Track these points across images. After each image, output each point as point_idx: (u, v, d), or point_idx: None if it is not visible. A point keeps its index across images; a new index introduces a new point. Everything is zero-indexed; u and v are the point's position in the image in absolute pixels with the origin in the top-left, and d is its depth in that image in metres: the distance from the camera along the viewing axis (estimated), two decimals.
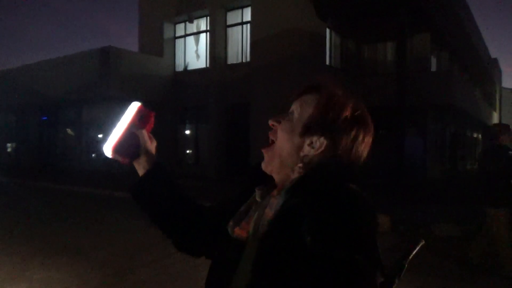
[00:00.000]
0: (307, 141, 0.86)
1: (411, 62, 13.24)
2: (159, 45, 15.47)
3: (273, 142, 0.91)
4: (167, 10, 15.29)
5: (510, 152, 4.15)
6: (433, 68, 15.92)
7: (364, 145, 0.87)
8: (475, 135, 23.62)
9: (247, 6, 13.57)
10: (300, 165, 0.86)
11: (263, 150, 0.92)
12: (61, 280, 4.13)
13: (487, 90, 28.33)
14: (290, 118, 0.90)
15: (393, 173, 10.96)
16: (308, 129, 0.86)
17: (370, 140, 0.88)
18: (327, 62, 13.67)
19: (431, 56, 15.40)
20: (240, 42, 14.03)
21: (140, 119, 1.00)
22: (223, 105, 14.00)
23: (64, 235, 6.09)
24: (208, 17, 14.51)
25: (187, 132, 15.94)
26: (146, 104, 1.01)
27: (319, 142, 0.84)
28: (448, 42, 16.53)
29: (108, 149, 0.96)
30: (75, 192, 10.98)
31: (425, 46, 14.57)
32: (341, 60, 14.67)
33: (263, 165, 0.92)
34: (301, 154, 0.86)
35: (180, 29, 15.78)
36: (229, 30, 14.34)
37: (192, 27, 15.36)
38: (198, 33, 15.38)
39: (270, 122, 0.93)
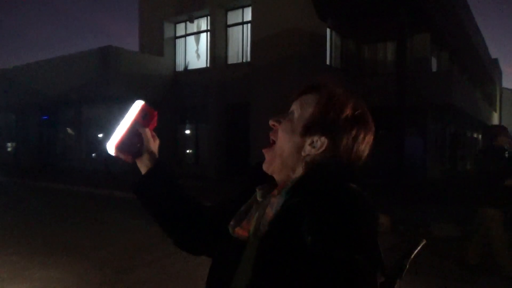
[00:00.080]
0: (308, 141, 0.85)
1: (411, 62, 13.24)
2: (159, 44, 15.47)
3: (273, 142, 0.91)
4: (167, 10, 15.29)
5: (506, 154, 4.21)
6: (433, 68, 15.92)
7: (364, 144, 0.87)
8: (475, 135, 23.62)
9: (247, 6, 13.57)
10: (301, 165, 0.86)
11: (263, 151, 0.92)
12: (61, 279, 4.13)
13: (487, 91, 28.32)
14: (291, 118, 0.90)
15: (393, 173, 10.95)
16: (308, 129, 0.86)
17: (371, 139, 0.88)
18: (327, 62, 13.67)
19: (431, 56, 15.40)
20: (240, 42, 14.03)
21: (143, 118, 1.01)
22: (223, 105, 14.00)
23: (64, 234, 6.09)
24: (209, 17, 14.51)
25: (187, 132, 15.94)
26: (147, 103, 1.01)
27: (320, 142, 0.84)
28: (448, 42, 16.52)
29: (111, 147, 0.97)
30: (75, 192, 10.98)
31: (425, 46, 14.57)
32: (341, 60, 14.67)
33: (264, 166, 0.92)
34: (302, 154, 0.86)
35: (180, 29, 15.78)
36: (230, 30, 14.34)
37: (192, 27, 15.36)
38: (198, 33, 15.38)
39: (271, 122, 0.92)
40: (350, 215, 0.71)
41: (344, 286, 0.66)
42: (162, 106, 13.86)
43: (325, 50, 13.49)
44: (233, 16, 14.23)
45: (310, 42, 12.50)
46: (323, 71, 12.57)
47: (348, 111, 0.85)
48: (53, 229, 6.46)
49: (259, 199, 0.90)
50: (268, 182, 0.92)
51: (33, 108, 18.04)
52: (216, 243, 0.94)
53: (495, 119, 29.74)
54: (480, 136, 24.55)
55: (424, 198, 9.14)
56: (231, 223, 0.89)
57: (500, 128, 4.55)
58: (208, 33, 14.61)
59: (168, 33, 15.62)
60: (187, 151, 15.87)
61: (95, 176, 13.44)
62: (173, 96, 15.07)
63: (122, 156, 0.98)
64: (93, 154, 16.37)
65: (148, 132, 1.00)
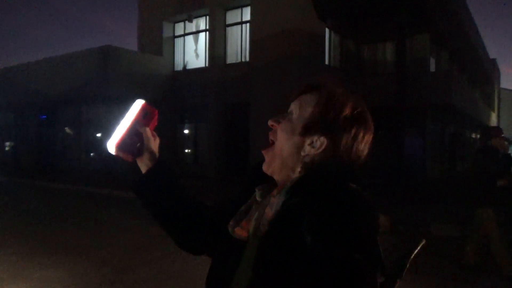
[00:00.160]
0: (308, 141, 0.85)
1: (411, 62, 13.25)
2: (158, 44, 15.47)
3: (273, 142, 0.91)
4: (166, 9, 15.29)
5: (500, 155, 4.31)
6: (433, 68, 15.94)
7: (364, 143, 0.87)
8: (474, 136, 23.64)
9: (246, 6, 13.57)
10: (301, 165, 0.86)
11: (263, 152, 0.92)
12: (60, 279, 4.12)
13: (486, 91, 28.37)
14: (290, 118, 0.89)
15: (392, 173, 10.96)
16: (308, 129, 0.85)
17: (371, 138, 0.88)
18: (327, 62, 13.67)
19: (430, 57, 15.41)
20: (239, 42, 14.03)
21: (144, 117, 1.00)
22: (222, 104, 14.00)
23: (63, 234, 6.09)
24: (208, 17, 14.51)
25: (186, 131, 15.94)
26: (147, 102, 1.01)
27: (320, 142, 0.84)
28: (448, 43, 16.54)
29: (111, 146, 0.96)
30: (74, 191, 10.97)
31: (425, 46, 14.58)
32: (341, 60, 14.67)
33: (264, 167, 0.91)
34: (302, 154, 0.86)
35: (179, 28, 15.77)
36: (229, 29, 14.34)
37: (191, 27, 15.36)
38: (197, 32, 15.38)
39: (270, 123, 0.92)
40: (350, 214, 0.71)
41: (344, 286, 0.66)
42: (161, 106, 13.81)
43: (325, 50, 13.50)
44: (232, 16, 14.22)
45: (309, 42, 12.50)
46: (322, 71, 12.57)
47: (347, 111, 0.85)
48: (52, 229, 6.46)
49: (258, 199, 0.90)
50: (268, 182, 0.92)
51: (32, 107, 18.02)
52: (216, 243, 0.94)
53: (494, 120, 29.78)
54: (479, 136, 24.56)
55: (424, 198, 9.15)
56: (231, 223, 0.89)
57: (495, 129, 4.64)
58: (207, 32, 14.61)
59: (167, 32, 15.62)
60: (186, 150, 15.86)
61: (95, 176, 13.43)
62: (172, 96, 15.06)
63: (122, 155, 0.98)
64: (92, 154, 16.36)
65: (148, 132, 1.00)
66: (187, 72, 15.39)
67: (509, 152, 4.83)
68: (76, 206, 8.77)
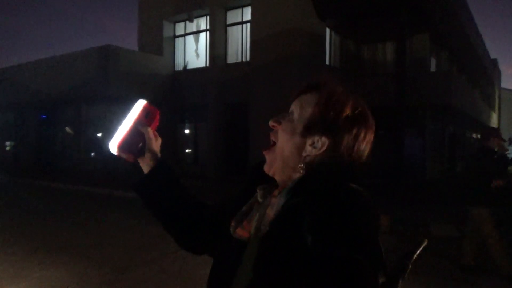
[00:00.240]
0: (309, 141, 0.85)
1: (411, 62, 13.24)
2: (159, 44, 15.45)
3: (273, 143, 0.91)
4: (166, 9, 15.28)
5: (496, 156, 4.34)
6: (433, 68, 15.93)
7: (365, 143, 0.87)
8: (474, 136, 23.64)
9: (247, 6, 13.56)
10: (302, 165, 0.85)
11: (264, 152, 0.92)
12: (60, 278, 4.12)
13: (486, 91, 28.34)
14: (290, 118, 0.89)
15: (392, 173, 10.95)
16: (309, 129, 0.85)
17: (372, 137, 0.88)
18: (327, 62, 13.67)
19: (430, 57, 15.41)
20: (240, 42, 14.03)
21: (145, 117, 1.01)
22: (222, 104, 13.99)
23: (63, 234, 6.09)
24: (208, 16, 14.50)
25: (186, 131, 15.93)
26: (149, 102, 1.01)
27: (321, 142, 0.84)
28: (448, 43, 16.53)
29: (113, 146, 0.96)
30: (74, 191, 10.97)
31: (425, 46, 14.57)
32: (341, 60, 14.67)
33: (265, 167, 0.91)
34: (303, 154, 0.85)
35: (179, 28, 15.76)
36: (229, 29, 14.33)
37: (191, 26, 15.35)
38: (197, 32, 15.37)
39: (271, 123, 0.92)
40: (351, 214, 0.71)
41: (344, 286, 0.66)
42: (161, 106, 13.64)
43: (325, 50, 13.49)
44: (233, 16, 14.22)
45: (309, 42, 12.50)
46: (322, 71, 12.56)
47: (348, 110, 0.85)
48: (52, 229, 6.46)
49: (259, 199, 0.90)
50: (269, 182, 0.92)
51: (32, 107, 18.01)
52: (217, 243, 0.94)
53: (494, 120, 29.78)
54: (479, 137, 24.56)
55: (424, 198, 9.15)
56: (232, 223, 0.89)
57: (492, 130, 4.66)
58: (208, 32, 14.60)
59: (167, 32, 15.61)
60: (186, 150, 15.86)
61: (95, 176, 13.43)
62: (173, 96, 15.06)
63: (124, 155, 0.98)
64: (92, 153, 16.35)
65: (150, 132, 1.00)
66: (187, 72, 15.38)
67: (509, 152, 4.84)
68: (76, 206, 8.77)
